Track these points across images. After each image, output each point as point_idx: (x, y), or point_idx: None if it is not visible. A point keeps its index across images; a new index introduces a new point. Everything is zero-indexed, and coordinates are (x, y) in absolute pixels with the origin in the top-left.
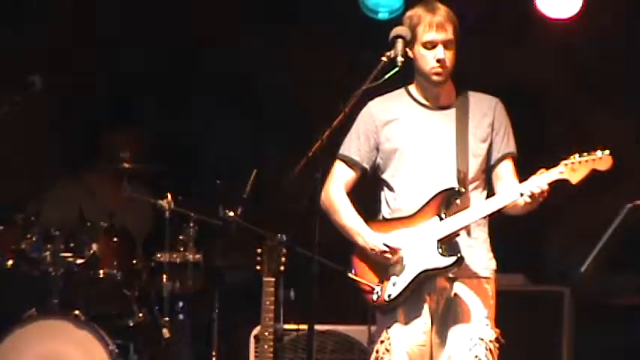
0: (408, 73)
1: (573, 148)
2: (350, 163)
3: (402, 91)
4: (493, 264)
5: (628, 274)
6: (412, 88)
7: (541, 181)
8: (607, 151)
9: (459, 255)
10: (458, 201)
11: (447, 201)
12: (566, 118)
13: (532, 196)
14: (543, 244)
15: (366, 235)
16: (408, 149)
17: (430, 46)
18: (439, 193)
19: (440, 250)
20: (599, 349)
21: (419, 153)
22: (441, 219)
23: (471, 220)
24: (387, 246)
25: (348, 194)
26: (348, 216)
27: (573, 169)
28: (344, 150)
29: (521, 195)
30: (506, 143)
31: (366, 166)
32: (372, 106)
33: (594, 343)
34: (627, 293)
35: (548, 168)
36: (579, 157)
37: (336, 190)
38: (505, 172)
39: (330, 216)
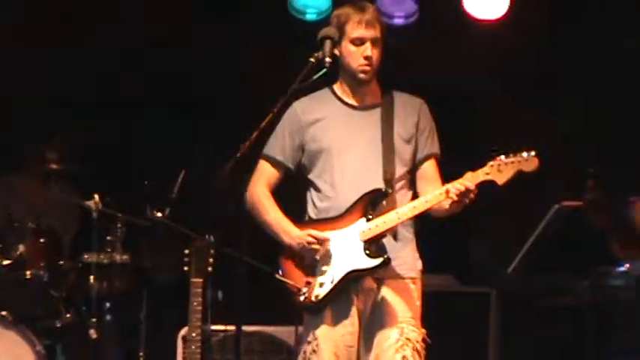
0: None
1: (500, 149)
2: (274, 162)
3: (326, 90)
4: (419, 264)
5: (554, 275)
6: (337, 87)
7: (467, 182)
8: (533, 153)
9: (385, 256)
10: (384, 202)
11: (374, 202)
12: (493, 118)
13: (458, 196)
14: (470, 245)
15: (292, 232)
16: (333, 150)
17: (358, 42)
18: (366, 194)
19: (367, 252)
20: (525, 349)
21: (345, 154)
22: (368, 220)
23: (398, 222)
24: (313, 236)
25: (272, 194)
26: (272, 215)
27: (499, 170)
28: (268, 150)
29: (448, 195)
30: (430, 144)
31: (291, 166)
32: (297, 106)
33: (520, 343)
34: (553, 294)
35: (474, 169)
36: (505, 158)
37: (260, 189)
38: (429, 172)
39: (255, 215)
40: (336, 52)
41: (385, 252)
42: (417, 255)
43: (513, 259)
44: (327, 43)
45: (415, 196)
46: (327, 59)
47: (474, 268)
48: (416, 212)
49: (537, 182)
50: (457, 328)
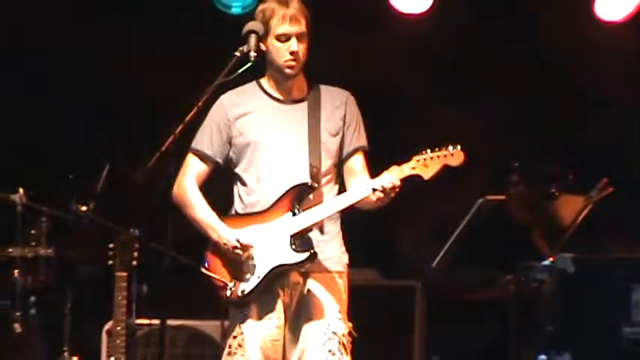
0: (260, 67)
1: (425, 143)
2: (202, 156)
3: (253, 84)
4: (346, 258)
5: (478, 269)
6: (264, 81)
7: (393, 176)
8: (458, 147)
9: (311, 251)
10: (311, 196)
11: (300, 196)
12: (419, 113)
13: (383, 191)
14: (396, 239)
15: (219, 230)
16: (260, 144)
17: (284, 38)
18: (292, 188)
19: (293, 246)
20: (450, 342)
21: (271, 147)
22: (294, 214)
23: (324, 216)
24: (240, 242)
25: (200, 188)
26: (200, 210)
27: (425, 164)
28: (196, 144)
29: (373, 191)
30: (357, 137)
31: (219, 160)
32: (225, 100)
33: (445, 336)
34: (477, 288)
35: (400, 164)
36: (431, 152)
37: (188, 183)
38: (356, 166)
39: (182, 210)
40: (262, 46)
41: (311, 246)
42: (343, 249)
43: (438, 253)
44: (252, 37)
45: (342, 190)
46: (253, 53)
47: (399, 261)
48: (342, 207)
49: (461, 176)
50: (383, 322)
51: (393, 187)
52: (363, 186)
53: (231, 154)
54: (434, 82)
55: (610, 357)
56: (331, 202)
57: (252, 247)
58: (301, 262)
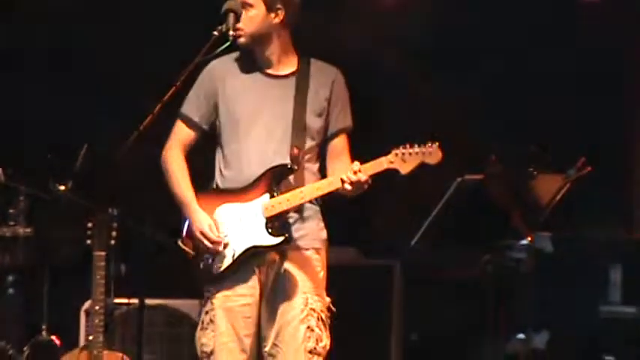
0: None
1: (403, 125)
2: (189, 123)
3: (245, 53)
4: (324, 234)
5: (456, 248)
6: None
7: (361, 174)
8: (436, 144)
9: (286, 235)
10: (290, 178)
11: (279, 177)
12: (394, 93)
13: (352, 185)
14: (374, 218)
15: (194, 213)
16: (244, 119)
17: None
18: (270, 169)
19: (269, 229)
20: (428, 321)
21: (254, 124)
22: (272, 196)
23: (302, 201)
24: (204, 235)
25: (187, 155)
26: (178, 184)
27: (404, 159)
28: (185, 110)
29: (343, 185)
30: (342, 118)
31: (206, 127)
32: (214, 67)
33: (424, 315)
34: (455, 267)
35: (379, 156)
36: (410, 148)
37: (173, 151)
38: (338, 147)
39: (165, 181)
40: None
41: (287, 230)
42: (321, 225)
43: (416, 232)
44: (231, 17)
45: (322, 170)
46: (231, 32)
47: (377, 240)
48: (319, 193)
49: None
50: (361, 301)
51: (362, 183)
52: (339, 177)
53: (216, 121)
54: (410, 62)
55: (588, 335)
56: (309, 188)
57: (220, 243)
58: (275, 245)
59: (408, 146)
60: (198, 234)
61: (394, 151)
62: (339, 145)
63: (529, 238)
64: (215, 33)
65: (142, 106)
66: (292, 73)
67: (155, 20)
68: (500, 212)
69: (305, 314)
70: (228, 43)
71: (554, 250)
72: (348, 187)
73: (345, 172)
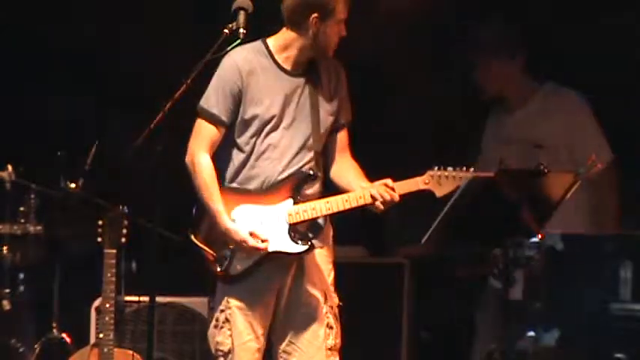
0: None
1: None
2: (213, 119)
3: (261, 46)
4: (331, 231)
5: (467, 246)
6: (272, 45)
7: (403, 188)
8: (472, 169)
9: (310, 243)
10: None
11: (302, 184)
12: (393, 87)
13: (383, 202)
14: (384, 216)
15: (231, 229)
16: (268, 119)
17: (342, 23)
18: (295, 175)
19: (292, 236)
20: (438, 319)
21: (278, 125)
22: (296, 203)
23: (327, 212)
24: (247, 243)
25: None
26: (213, 199)
27: (439, 182)
28: (207, 106)
29: (373, 200)
30: (345, 112)
31: (229, 123)
32: (237, 61)
33: (434, 313)
34: (465, 264)
35: (412, 176)
36: (445, 170)
37: (202, 159)
38: (343, 140)
39: (193, 182)
40: (315, 27)
41: (309, 238)
42: (328, 222)
43: (427, 230)
44: (242, 14)
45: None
46: (242, 30)
47: (387, 238)
48: (347, 207)
49: (450, 153)
50: (371, 299)
51: (396, 201)
52: (367, 193)
53: (237, 118)
54: (413, 57)
55: (598, 334)
56: (336, 201)
57: (266, 248)
58: (299, 253)
59: (443, 168)
60: (240, 243)
61: (429, 173)
62: (344, 138)
63: (540, 236)
64: (225, 31)
65: (152, 103)
66: (305, 72)
67: (165, 20)
68: (510, 210)
69: (325, 312)
70: (238, 41)
71: (564, 247)
72: (380, 205)
73: (360, 180)
